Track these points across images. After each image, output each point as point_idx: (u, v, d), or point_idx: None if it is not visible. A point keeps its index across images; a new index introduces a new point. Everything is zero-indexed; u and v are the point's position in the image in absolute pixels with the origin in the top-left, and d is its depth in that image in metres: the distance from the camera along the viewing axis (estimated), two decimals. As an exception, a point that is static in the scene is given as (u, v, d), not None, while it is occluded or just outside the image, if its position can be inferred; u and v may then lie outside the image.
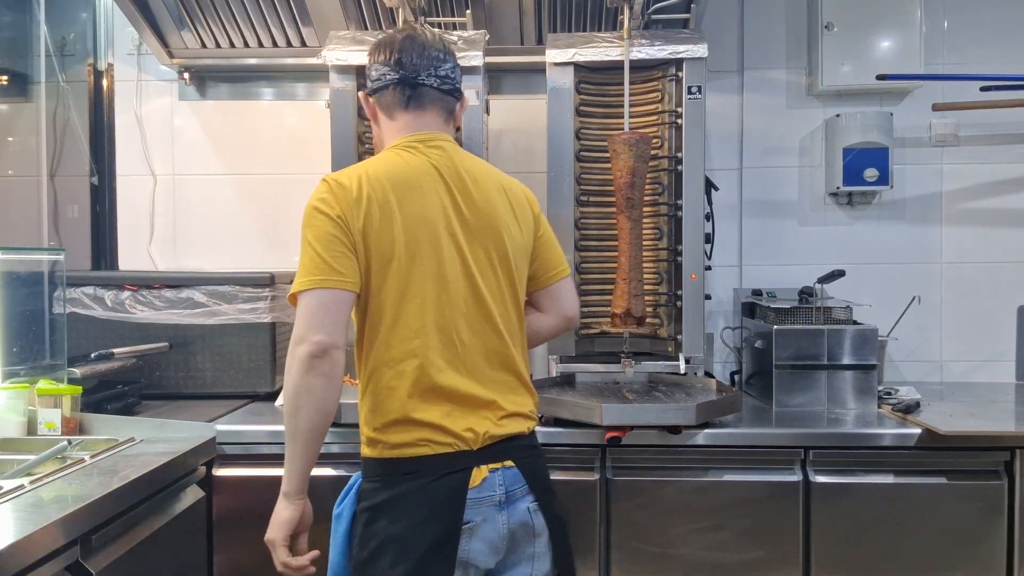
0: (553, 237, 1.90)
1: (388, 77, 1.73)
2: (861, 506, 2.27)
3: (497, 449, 1.68)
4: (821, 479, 2.27)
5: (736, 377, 3.06)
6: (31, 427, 2.21)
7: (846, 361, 2.57)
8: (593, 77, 2.63)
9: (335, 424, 2.25)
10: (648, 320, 2.56)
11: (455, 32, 2.60)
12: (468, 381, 1.67)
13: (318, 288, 1.59)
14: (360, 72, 2.58)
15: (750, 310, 2.93)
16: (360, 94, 1.86)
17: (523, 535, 1.69)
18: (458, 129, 2.32)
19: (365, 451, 1.71)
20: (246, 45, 2.95)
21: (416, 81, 1.73)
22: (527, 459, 1.72)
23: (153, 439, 2.15)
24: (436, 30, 1.82)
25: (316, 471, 2.27)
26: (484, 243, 1.72)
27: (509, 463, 1.68)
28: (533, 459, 1.74)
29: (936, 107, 3.01)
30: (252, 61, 3.05)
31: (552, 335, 1.99)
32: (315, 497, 2.27)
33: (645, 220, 2.57)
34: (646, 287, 2.53)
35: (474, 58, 2.50)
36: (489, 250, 1.72)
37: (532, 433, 1.77)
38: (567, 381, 2.56)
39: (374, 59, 1.77)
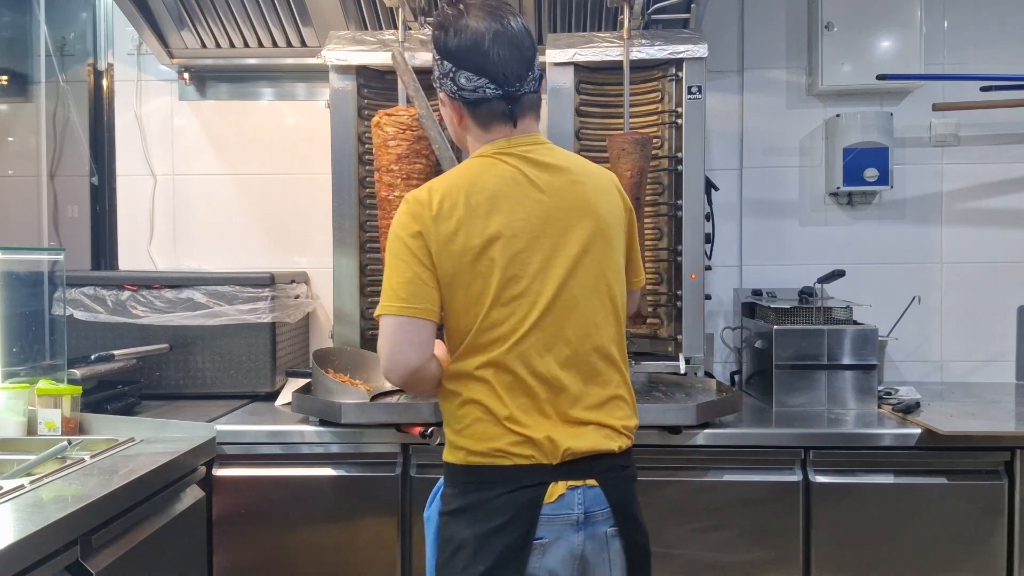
0: (635, 238, 1.77)
1: (488, 91, 1.59)
2: (861, 506, 2.27)
3: (582, 466, 1.60)
4: (821, 479, 2.27)
5: (736, 377, 3.06)
6: (31, 427, 2.21)
7: (846, 361, 2.57)
8: (593, 77, 2.63)
9: (335, 424, 2.26)
10: (648, 320, 2.56)
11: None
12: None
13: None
14: (360, 72, 2.59)
15: (750, 310, 2.93)
16: (442, 95, 1.67)
17: (597, 561, 1.60)
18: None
19: (447, 455, 1.65)
20: (246, 45, 2.95)
21: (518, 94, 1.61)
22: (613, 480, 1.63)
23: (153, 439, 2.15)
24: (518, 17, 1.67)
25: (316, 471, 2.30)
26: (572, 228, 1.60)
27: (592, 482, 1.60)
28: (621, 481, 1.65)
29: (936, 107, 3.01)
30: (252, 61, 3.05)
31: None
32: (315, 495, 2.29)
33: (646, 220, 2.57)
34: (647, 287, 2.52)
35: (474, 58, 2.49)
36: (581, 232, 1.60)
37: (624, 452, 1.67)
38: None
39: (462, 61, 1.59)
